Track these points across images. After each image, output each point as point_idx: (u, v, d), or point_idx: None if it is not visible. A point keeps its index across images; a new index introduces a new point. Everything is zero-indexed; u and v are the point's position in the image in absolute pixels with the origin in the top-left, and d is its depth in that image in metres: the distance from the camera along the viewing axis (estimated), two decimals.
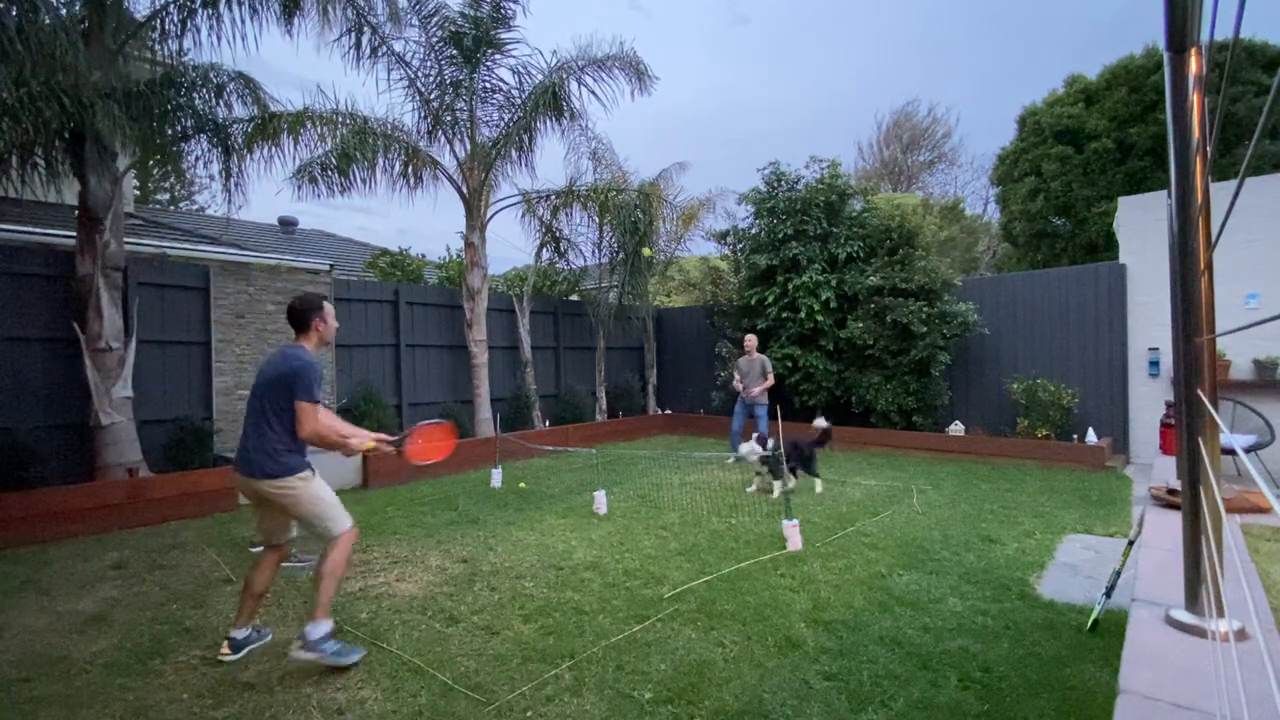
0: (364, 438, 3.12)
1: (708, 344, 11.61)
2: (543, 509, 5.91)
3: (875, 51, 45.68)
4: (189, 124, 6.45)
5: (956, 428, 8.73)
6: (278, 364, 2.98)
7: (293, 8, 6.49)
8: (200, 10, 6.12)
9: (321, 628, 2.88)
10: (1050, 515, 5.44)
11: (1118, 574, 3.20)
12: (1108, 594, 3.17)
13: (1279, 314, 0.80)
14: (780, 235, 9.70)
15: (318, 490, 3.03)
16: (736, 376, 8.30)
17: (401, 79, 8.55)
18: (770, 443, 6.14)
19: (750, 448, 6.26)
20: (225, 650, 3.03)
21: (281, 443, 2.94)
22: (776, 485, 6.15)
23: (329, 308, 3.20)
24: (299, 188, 7.80)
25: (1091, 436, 7.76)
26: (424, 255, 14.09)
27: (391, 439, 3.25)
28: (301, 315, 3.12)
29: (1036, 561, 4.28)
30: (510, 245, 31.16)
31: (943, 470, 7.52)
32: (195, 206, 23.32)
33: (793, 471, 6.34)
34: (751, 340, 8.37)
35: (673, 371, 12.90)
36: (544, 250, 11.01)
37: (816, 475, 6.48)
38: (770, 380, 8.12)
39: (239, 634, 3.08)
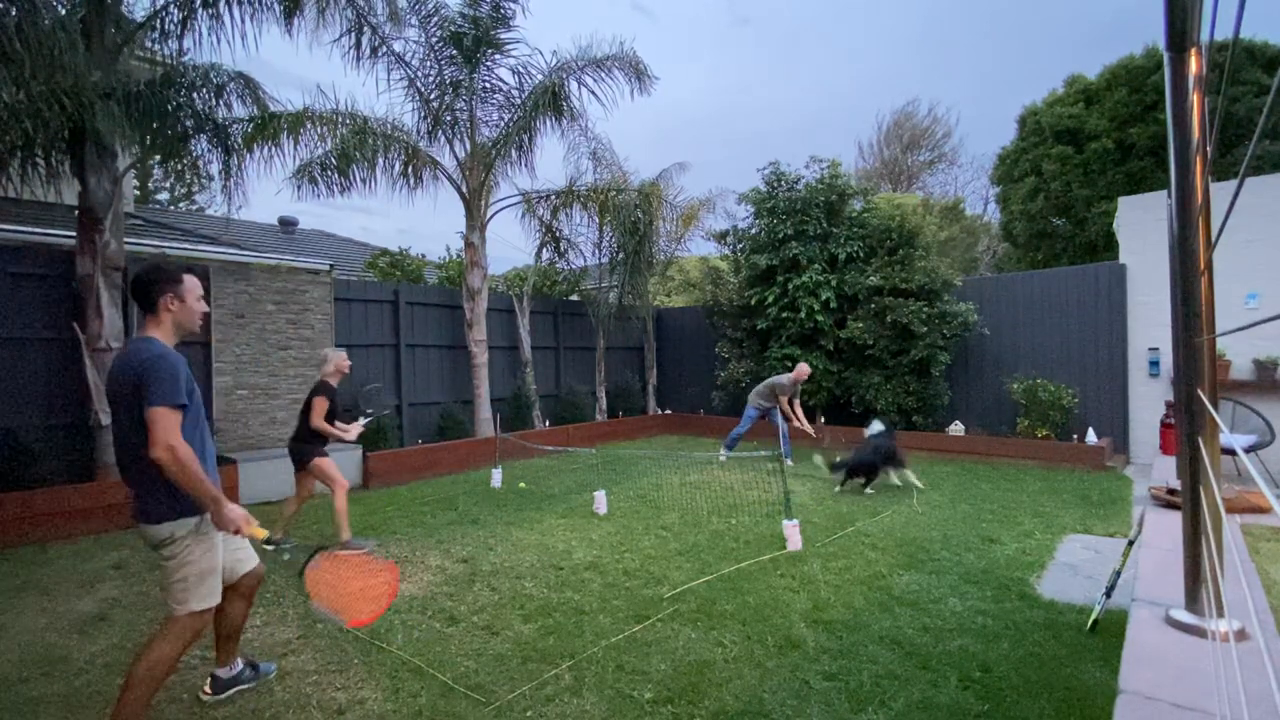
0: (249, 521, 2.38)
1: (708, 344, 11.62)
2: (543, 509, 5.91)
3: (875, 51, 45.69)
4: (189, 124, 6.44)
5: (956, 428, 8.73)
6: (125, 366, 2.23)
7: (293, 8, 6.50)
8: (200, 10, 6.12)
9: None
10: (1050, 515, 5.44)
11: (1118, 574, 3.19)
12: (1108, 594, 3.17)
13: (1279, 314, 0.80)
14: (780, 235, 9.70)
15: (203, 547, 2.36)
16: (783, 399, 8.00)
17: (401, 79, 8.55)
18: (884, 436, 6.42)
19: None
20: (205, 690, 2.68)
21: (159, 473, 2.20)
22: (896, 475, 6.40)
23: (190, 282, 2.39)
24: (299, 188, 7.81)
25: (1091, 436, 7.75)
26: (424, 255, 14.10)
27: (287, 545, 2.61)
28: (144, 291, 2.31)
29: (1036, 561, 4.28)
30: (510, 245, 31.20)
31: (943, 470, 7.52)
32: (195, 206, 23.33)
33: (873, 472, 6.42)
34: (805, 370, 8.10)
35: (673, 371, 12.90)
36: (544, 250, 11.01)
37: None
38: (782, 403, 8.12)
39: (222, 672, 2.70)
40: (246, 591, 2.69)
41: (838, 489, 6.44)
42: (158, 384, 2.16)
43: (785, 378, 8.16)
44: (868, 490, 6.37)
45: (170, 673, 2.36)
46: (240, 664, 2.77)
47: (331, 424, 4.77)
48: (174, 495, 2.26)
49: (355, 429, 4.92)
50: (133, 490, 2.30)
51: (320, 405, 4.71)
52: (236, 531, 2.35)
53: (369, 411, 5.66)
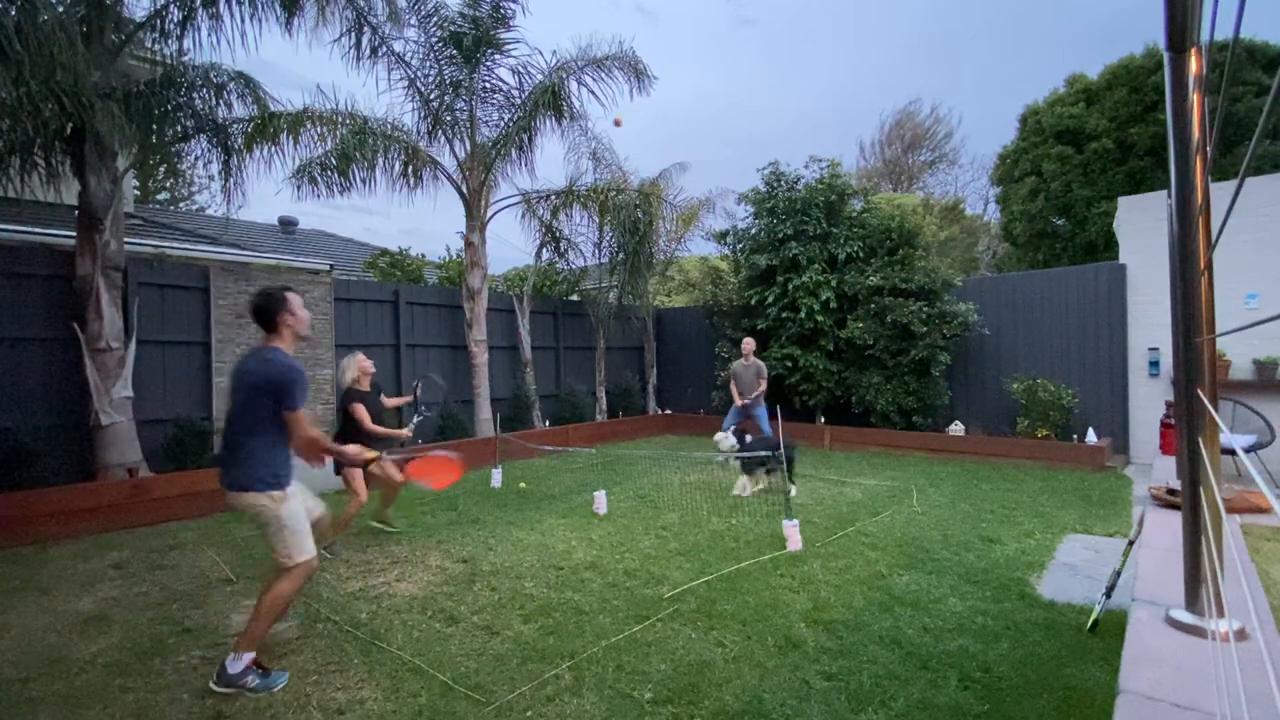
0: (366, 452, 3.29)
1: (708, 344, 11.61)
2: (543, 509, 5.91)
3: (877, 52, 45.76)
4: (189, 124, 6.45)
5: (956, 428, 8.73)
6: (256, 370, 2.77)
7: (292, 8, 6.50)
8: (200, 10, 6.12)
9: (241, 660, 2.72)
10: (1050, 515, 5.44)
11: (1118, 574, 3.19)
12: (1108, 594, 3.17)
13: (1279, 314, 0.80)
14: (780, 235, 9.70)
15: (288, 511, 2.83)
16: (733, 385, 8.24)
17: (401, 79, 8.56)
18: (748, 438, 6.12)
19: (723, 436, 6.19)
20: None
21: (258, 453, 2.76)
22: (744, 481, 6.11)
23: (294, 299, 2.91)
24: (298, 188, 7.82)
25: (1091, 436, 7.75)
26: (424, 255, 14.11)
27: (397, 457, 3.40)
28: (266, 313, 2.84)
29: (1036, 561, 4.27)
30: (510, 245, 31.14)
31: (943, 470, 7.52)
32: (195, 206, 23.32)
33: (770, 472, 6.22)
34: (749, 344, 8.32)
35: (673, 371, 12.90)
36: (544, 250, 11.02)
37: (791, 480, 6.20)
38: (764, 386, 8.10)
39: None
40: (319, 527, 3.18)
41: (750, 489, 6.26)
42: (296, 392, 2.75)
43: (736, 362, 8.24)
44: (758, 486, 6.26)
45: (288, 606, 2.93)
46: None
47: (361, 434, 4.76)
48: (264, 473, 2.76)
49: (407, 430, 5.01)
50: (234, 466, 2.77)
51: (360, 412, 4.70)
52: (364, 462, 3.37)
53: (423, 409, 5.54)
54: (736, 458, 6.20)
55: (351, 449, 3.22)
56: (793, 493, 6.16)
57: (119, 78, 5.97)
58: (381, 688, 2.76)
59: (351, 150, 7.69)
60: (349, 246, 15.32)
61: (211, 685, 2.71)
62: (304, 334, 2.99)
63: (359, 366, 4.94)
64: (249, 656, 2.74)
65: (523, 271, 13.79)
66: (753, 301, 10.15)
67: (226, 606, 3.69)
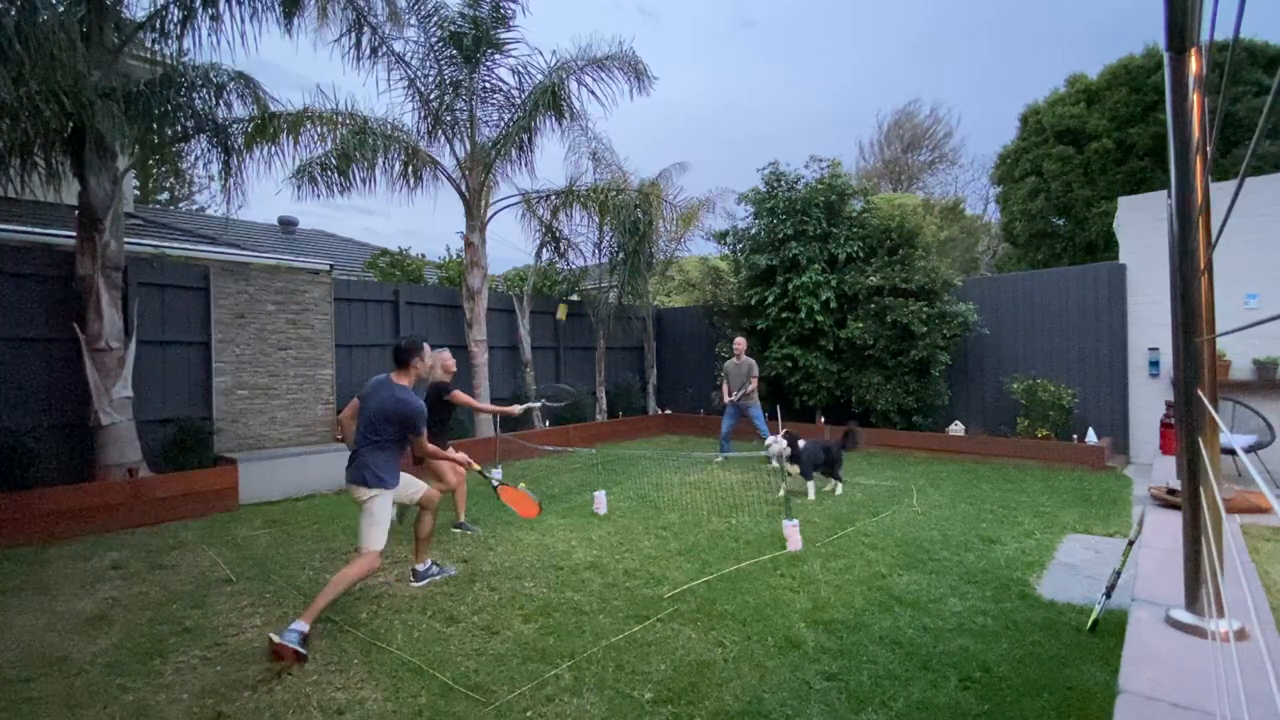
0: (470, 461, 4.14)
1: (708, 344, 11.61)
2: (542, 509, 5.90)
3: (878, 52, 45.76)
4: (189, 124, 6.44)
5: (956, 428, 8.73)
6: (387, 402, 3.52)
7: (292, 8, 6.49)
8: (200, 10, 6.11)
9: (302, 626, 3.05)
10: (1050, 515, 5.44)
11: (1118, 574, 3.20)
12: (1108, 594, 3.17)
13: (1279, 314, 0.80)
14: (780, 235, 9.69)
15: (382, 506, 3.51)
16: (724, 384, 8.32)
17: (401, 79, 8.55)
18: (802, 443, 6.15)
19: (775, 440, 6.16)
20: (411, 580, 3.98)
21: (371, 458, 3.49)
22: (810, 486, 6.16)
23: (427, 349, 3.80)
24: (299, 188, 7.79)
25: (1091, 436, 7.75)
26: (424, 255, 14.10)
27: (492, 477, 4.39)
28: (404, 355, 3.69)
29: (1036, 561, 4.27)
30: (510, 245, 31.16)
31: (943, 470, 7.52)
32: (195, 206, 23.30)
33: (822, 473, 6.38)
34: (740, 343, 8.39)
35: (673, 371, 12.90)
36: (544, 250, 11.00)
37: (840, 479, 6.35)
38: (753, 384, 8.13)
39: (420, 567, 4.00)
40: (430, 506, 3.97)
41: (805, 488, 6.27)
42: (420, 422, 3.57)
43: (729, 361, 8.43)
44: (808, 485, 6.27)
45: (351, 587, 3.40)
46: (430, 563, 4.04)
47: (445, 424, 5.11)
48: (381, 474, 3.49)
49: (518, 408, 5.64)
50: (362, 466, 3.48)
51: (461, 396, 5.03)
52: (468, 465, 4.15)
53: (545, 402, 5.88)
54: (792, 460, 6.19)
55: (460, 456, 4.09)
56: (838, 491, 6.36)
57: (119, 78, 5.96)
58: (381, 688, 2.76)
59: (351, 150, 7.68)
60: (349, 246, 15.31)
61: (270, 635, 3.03)
62: (424, 376, 3.82)
63: (444, 365, 5.08)
64: (305, 626, 3.06)
65: (523, 271, 13.79)
66: (753, 301, 10.14)
67: (227, 606, 3.69)
